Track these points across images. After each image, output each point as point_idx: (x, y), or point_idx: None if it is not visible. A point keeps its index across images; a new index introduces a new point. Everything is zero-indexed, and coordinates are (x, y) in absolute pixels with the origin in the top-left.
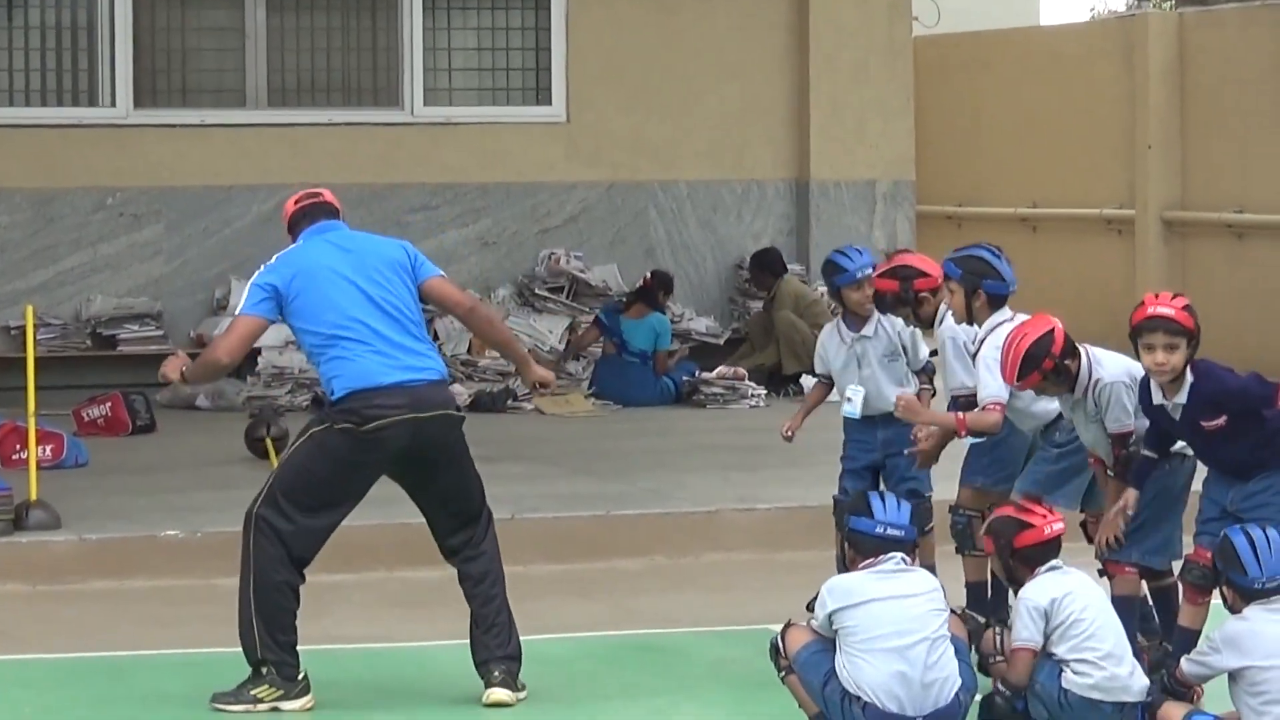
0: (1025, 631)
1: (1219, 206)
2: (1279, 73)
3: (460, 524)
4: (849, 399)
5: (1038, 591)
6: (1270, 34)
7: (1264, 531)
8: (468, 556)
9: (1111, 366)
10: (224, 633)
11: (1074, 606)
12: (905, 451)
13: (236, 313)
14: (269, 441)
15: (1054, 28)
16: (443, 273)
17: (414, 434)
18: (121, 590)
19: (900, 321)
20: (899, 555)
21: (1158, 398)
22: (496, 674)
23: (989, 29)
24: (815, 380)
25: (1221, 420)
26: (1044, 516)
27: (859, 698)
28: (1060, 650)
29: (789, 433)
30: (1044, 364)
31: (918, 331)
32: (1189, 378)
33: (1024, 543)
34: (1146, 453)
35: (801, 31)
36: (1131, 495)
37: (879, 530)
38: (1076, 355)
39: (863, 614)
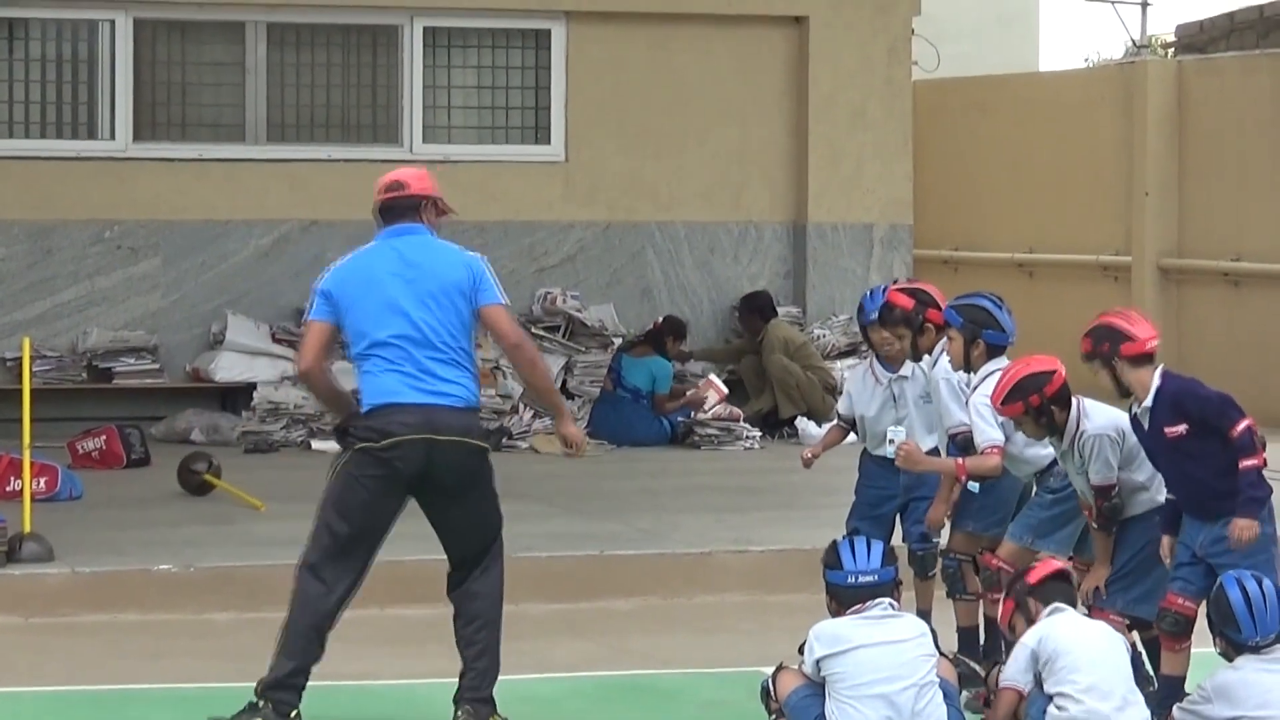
0: (1012, 670)
1: (1216, 254)
2: (1277, 121)
3: (466, 557)
4: (891, 440)
5: (1031, 633)
6: (1269, 82)
7: (1259, 585)
8: (465, 594)
9: (1098, 419)
10: (216, 667)
11: (1059, 642)
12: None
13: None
14: (207, 476)
15: (1053, 74)
16: (503, 301)
17: (428, 456)
18: (114, 624)
19: (944, 364)
20: (885, 601)
21: (1134, 408)
22: (459, 714)
23: (988, 74)
24: (835, 422)
25: (1182, 429)
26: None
27: None
28: (1048, 686)
29: (809, 456)
30: (1030, 399)
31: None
32: (1157, 381)
33: (1035, 579)
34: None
35: (800, 74)
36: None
37: (850, 580)
38: (1067, 406)
39: (850, 661)
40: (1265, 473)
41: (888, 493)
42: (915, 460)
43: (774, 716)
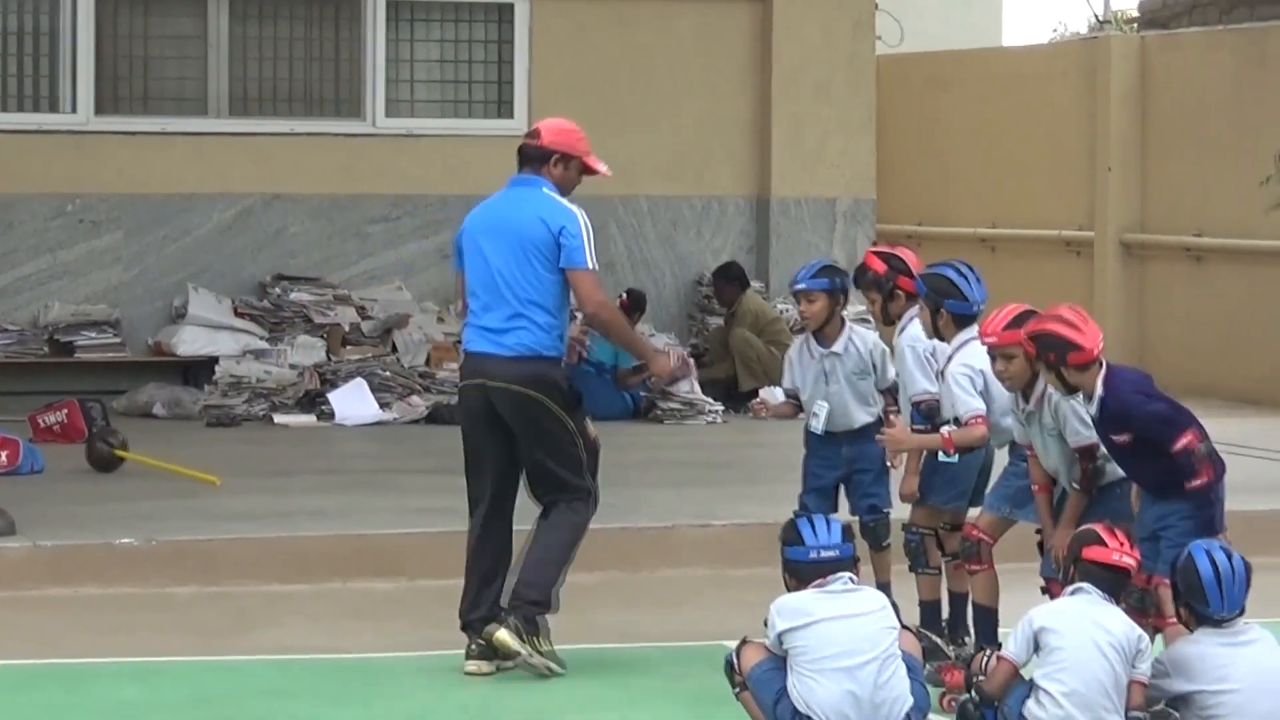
0: (1013, 645)
1: (1178, 230)
2: (1240, 97)
3: (537, 497)
4: (815, 414)
5: (1040, 611)
6: (1232, 58)
7: (1229, 559)
8: (534, 531)
9: None
10: (177, 641)
11: (1059, 636)
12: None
13: None
14: (116, 451)
15: (1016, 49)
16: (586, 265)
17: (486, 400)
18: (76, 598)
19: (873, 338)
20: (845, 575)
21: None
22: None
23: (952, 49)
24: (784, 397)
25: (1127, 438)
26: (1121, 545)
27: (809, 717)
28: (1037, 674)
29: (763, 412)
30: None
31: (887, 351)
32: (1099, 390)
33: (1090, 557)
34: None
35: (764, 48)
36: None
37: (812, 555)
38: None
39: (812, 634)
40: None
41: (829, 464)
42: (901, 441)
43: (737, 689)
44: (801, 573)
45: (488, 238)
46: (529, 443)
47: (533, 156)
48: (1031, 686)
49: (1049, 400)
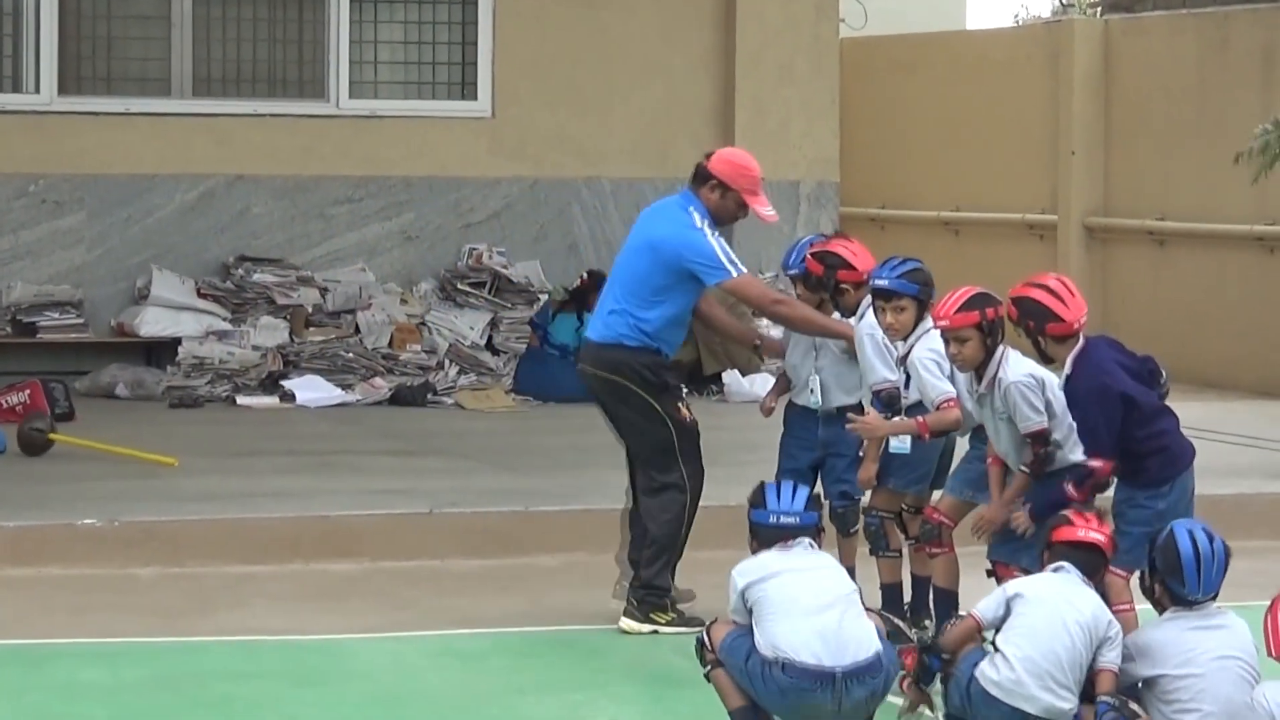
0: (983, 604)
1: (1141, 213)
2: (1203, 81)
3: (634, 473)
4: (811, 389)
5: (1018, 580)
6: (1195, 42)
7: (1210, 541)
8: (637, 515)
9: (1017, 368)
10: (140, 622)
11: (1029, 604)
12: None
13: None
14: (51, 435)
15: (980, 32)
16: (733, 275)
17: (584, 381)
18: (38, 578)
19: (870, 321)
20: (806, 540)
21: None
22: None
23: (915, 32)
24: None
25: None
26: (1088, 523)
27: (778, 660)
28: (999, 638)
29: (769, 406)
30: (987, 310)
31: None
32: (1068, 368)
33: (1060, 538)
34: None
35: (728, 30)
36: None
37: (773, 520)
38: (999, 342)
39: (774, 585)
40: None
41: (805, 442)
42: (875, 428)
43: (708, 668)
44: (762, 535)
45: (629, 238)
46: (622, 419)
47: (696, 175)
48: (987, 653)
49: (999, 385)
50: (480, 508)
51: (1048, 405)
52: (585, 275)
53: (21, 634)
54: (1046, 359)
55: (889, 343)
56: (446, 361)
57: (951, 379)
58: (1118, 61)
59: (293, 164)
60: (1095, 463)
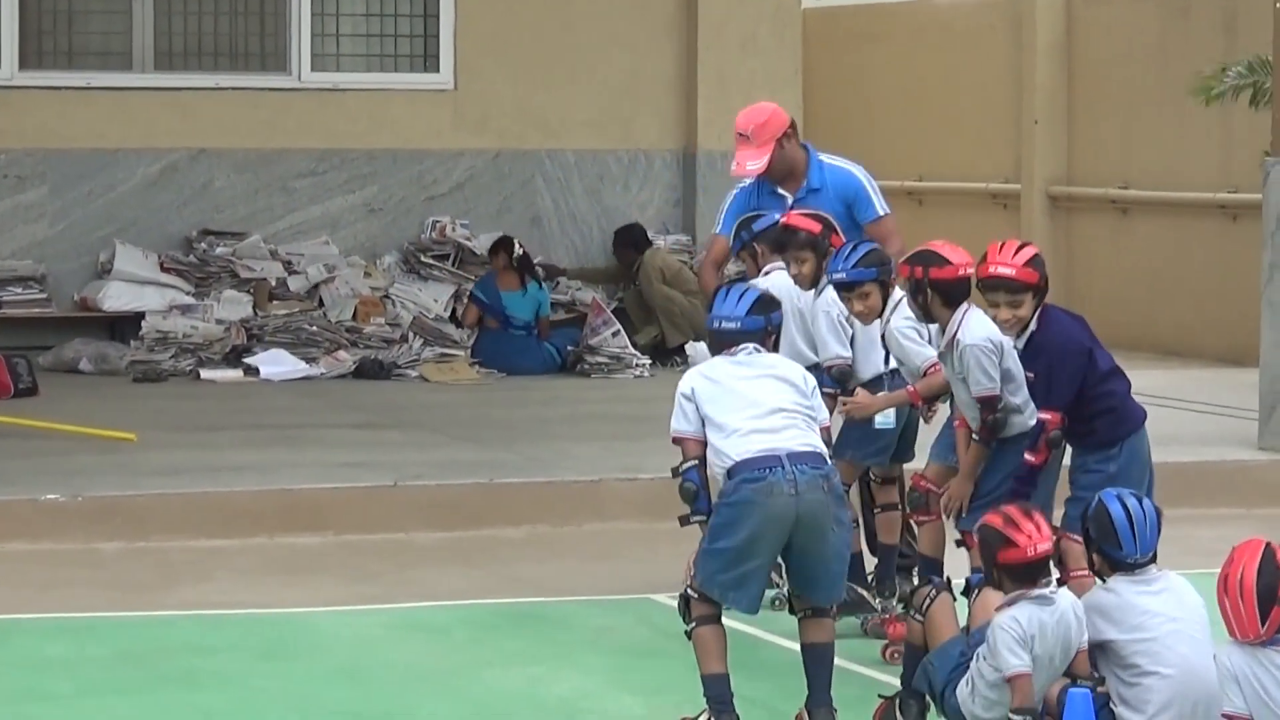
0: (1016, 660)
1: (1104, 182)
2: (1165, 51)
3: None
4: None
5: (1018, 621)
6: (1157, 12)
7: (1140, 503)
8: None
9: (975, 330)
10: (104, 597)
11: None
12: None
13: None
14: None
15: (943, 2)
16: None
17: None
18: (1, 553)
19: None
20: (750, 345)
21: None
22: None
23: (878, 1)
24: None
25: (1032, 376)
26: (1030, 536)
27: (728, 471)
28: (980, 668)
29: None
30: (916, 269)
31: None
32: (1033, 326)
33: (1007, 559)
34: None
35: (690, 1)
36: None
37: (715, 325)
38: (950, 305)
39: (714, 403)
40: (1145, 400)
41: None
42: (868, 405)
43: (692, 625)
44: (711, 341)
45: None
46: None
47: None
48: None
49: (957, 345)
50: (444, 480)
51: (1006, 372)
52: (520, 251)
53: None
54: (929, 317)
55: (844, 321)
56: (410, 334)
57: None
58: (1080, 31)
59: (255, 137)
60: (1045, 415)
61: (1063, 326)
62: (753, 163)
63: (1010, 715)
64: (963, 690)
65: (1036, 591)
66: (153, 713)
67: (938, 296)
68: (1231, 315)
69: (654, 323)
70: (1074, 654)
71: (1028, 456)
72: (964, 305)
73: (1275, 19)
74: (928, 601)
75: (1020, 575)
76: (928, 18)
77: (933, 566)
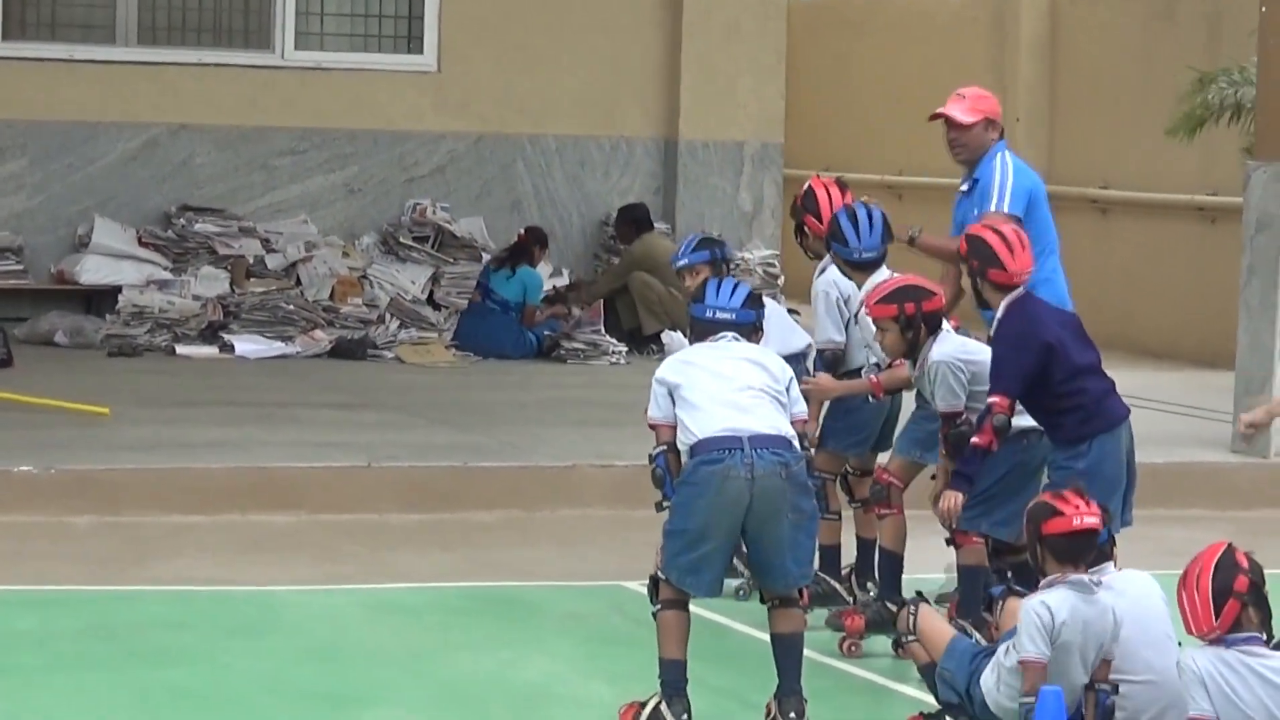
0: (1032, 646)
1: (1085, 182)
2: (1148, 50)
3: None
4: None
5: (1049, 609)
6: (1142, 11)
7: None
8: None
9: (946, 347)
10: (75, 570)
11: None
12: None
13: None
14: None
15: None
16: (990, 208)
17: None
18: None
19: (830, 276)
20: (730, 334)
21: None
22: None
23: None
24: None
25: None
26: (1078, 508)
27: (690, 449)
28: (1003, 656)
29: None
30: (907, 305)
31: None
32: (1000, 313)
33: (1051, 530)
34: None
35: None
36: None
37: (709, 314)
38: (933, 331)
39: (689, 383)
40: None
41: None
42: (827, 389)
43: (658, 608)
44: (697, 329)
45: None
46: None
47: None
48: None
49: (928, 363)
50: (418, 462)
51: (977, 376)
52: (524, 231)
53: None
54: (982, 303)
55: (843, 304)
56: (387, 315)
57: None
58: (1064, 29)
59: (237, 114)
60: (993, 398)
61: (1027, 318)
62: (956, 109)
63: (1021, 700)
64: (988, 679)
65: (1075, 576)
66: (122, 688)
67: (925, 327)
68: (1208, 317)
69: (630, 311)
70: (1104, 654)
71: (974, 439)
72: (940, 331)
73: (1260, 23)
74: (911, 619)
75: (1063, 552)
76: (912, 11)
77: (893, 561)
